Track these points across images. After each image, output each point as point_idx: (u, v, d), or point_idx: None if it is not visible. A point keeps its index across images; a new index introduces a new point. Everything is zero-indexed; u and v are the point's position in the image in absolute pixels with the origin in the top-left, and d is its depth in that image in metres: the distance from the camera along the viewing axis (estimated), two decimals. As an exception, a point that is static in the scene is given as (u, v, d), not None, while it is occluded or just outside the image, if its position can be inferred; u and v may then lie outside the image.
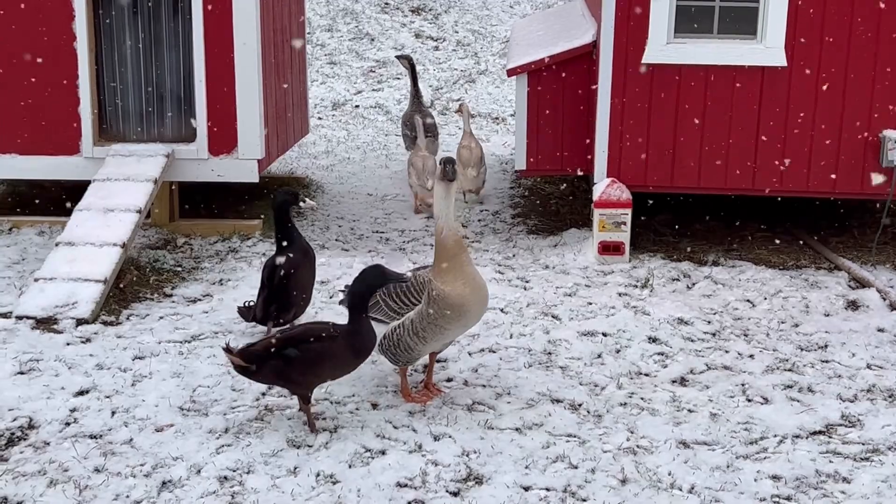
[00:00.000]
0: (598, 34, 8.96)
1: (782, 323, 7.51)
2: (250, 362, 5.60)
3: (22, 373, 6.43)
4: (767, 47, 8.62)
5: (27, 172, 9.45)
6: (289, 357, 5.54)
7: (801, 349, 7.07)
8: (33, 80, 9.19)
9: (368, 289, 5.71)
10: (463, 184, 10.74)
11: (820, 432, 5.87)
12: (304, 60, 11.58)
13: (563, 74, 9.41)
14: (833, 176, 8.77)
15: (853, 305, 7.90)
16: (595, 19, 9.53)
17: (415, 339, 5.91)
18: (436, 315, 5.83)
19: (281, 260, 6.95)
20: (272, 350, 5.58)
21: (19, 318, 7.26)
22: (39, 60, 9.14)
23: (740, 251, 9.15)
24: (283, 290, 6.89)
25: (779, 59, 8.60)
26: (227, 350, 5.63)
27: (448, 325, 5.87)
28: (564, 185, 11.64)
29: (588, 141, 9.36)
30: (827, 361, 6.86)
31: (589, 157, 9.32)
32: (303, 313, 7.14)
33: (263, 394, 6.18)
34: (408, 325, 5.90)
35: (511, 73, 9.52)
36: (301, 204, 7.06)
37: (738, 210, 9.94)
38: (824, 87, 8.61)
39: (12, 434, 5.69)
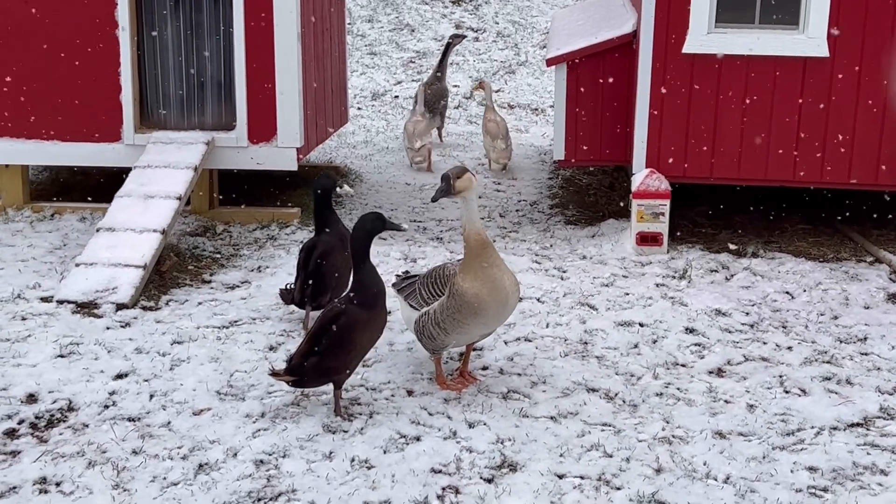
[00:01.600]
0: (639, 24, 8.91)
1: (821, 315, 7.46)
2: (296, 374, 5.65)
3: (62, 356, 6.50)
4: (809, 37, 8.54)
5: (69, 159, 9.54)
6: (320, 352, 5.59)
7: (840, 341, 7.01)
8: (76, 67, 9.28)
9: (367, 234, 5.75)
10: (491, 154, 11.86)
11: (858, 424, 5.82)
12: (344, 50, 11.62)
13: (603, 64, 9.38)
14: (875, 168, 8.68)
15: (893, 298, 7.83)
16: (635, 9, 9.49)
17: (437, 329, 5.93)
18: (453, 310, 5.85)
19: (316, 242, 6.98)
20: (305, 354, 5.64)
21: (60, 302, 7.34)
22: (82, 48, 9.24)
23: (780, 243, 9.08)
24: (318, 273, 6.91)
25: (821, 49, 8.53)
26: (274, 374, 5.71)
27: (465, 321, 5.87)
28: (603, 175, 11.61)
29: (627, 131, 9.33)
30: (866, 354, 6.80)
31: (628, 147, 9.29)
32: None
33: (300, 379, 6.21)
34: (432, 314, 5.95)
35: (550, 62, 9.49)
36: (338, 189, 7.06)
37: (778, 202, 9.86)
38: (866, 79, 8.53)
39: (52, 416, 5.76)
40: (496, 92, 15.58)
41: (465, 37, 14.23)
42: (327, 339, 5.59)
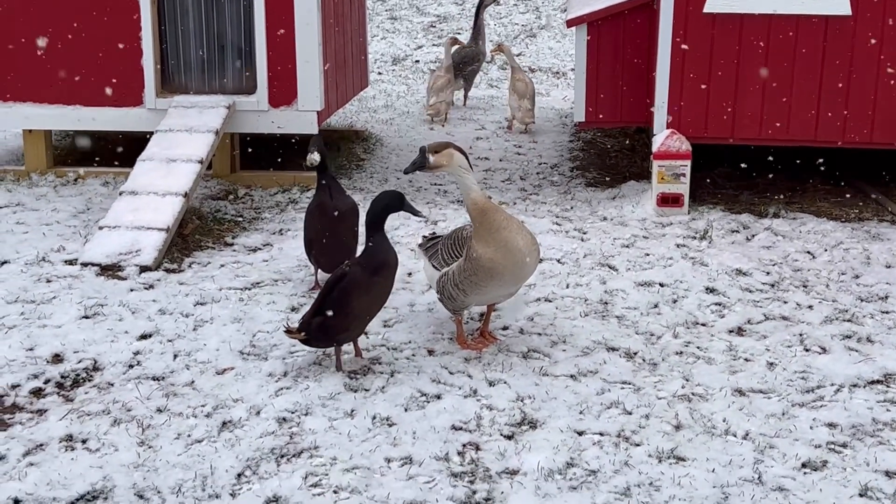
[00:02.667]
0: (659, -16, 8.87)
1: (842, 274, 7.45)
2: (305, 332, 5.76)
3: (87, 317, 6.58)
4: (832, -4, 8.48)
5: (91, 124, 9.60)
6: (323, 312, 5.68)
7: (861, 300, 7.00)
8: (97, 32, 9.32)
9: (383, 209, 5.74)
10: (517, 114, 11.96)
11: (878, 381, 5.83)
12: (364, 14, 11.61)
13: (624, 25, 9.34)
14: (897, 127, 8.64)
15: (916, 258, 7.81)
16: (656, -31, 9.43)
17: (455, 289, 5.96)
18: (470, 273, 5.87)
19: (313, 205, 7.00)
20: (314, 313, 5.73)
21: (84, 264, 7.41)
22: (102, 13, 9.27)
23: (801, 203, 9.06)
24: (316, 234, 6.95)
25: (843, 7, 8.46)
26: (288, 331, 5.80)
27: (482, 284, 5.89)
28: (624, 137, 11.59)
29: (648, 92, 9.30)
30: (887, 312, 6.79)
31: (648, 108, 9.26)
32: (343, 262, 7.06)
33: (321, 339, 6.26)
34: (450, 275, 5.98)
35: (571, 23, 9.47)
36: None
37: (800, 162, 9.83)
38: (889, 36, 8.46)
39: (77, 375, 5.83)
40: (517, 56, 15.52)
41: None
42: (330, 299, 5.67)
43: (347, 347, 6.00)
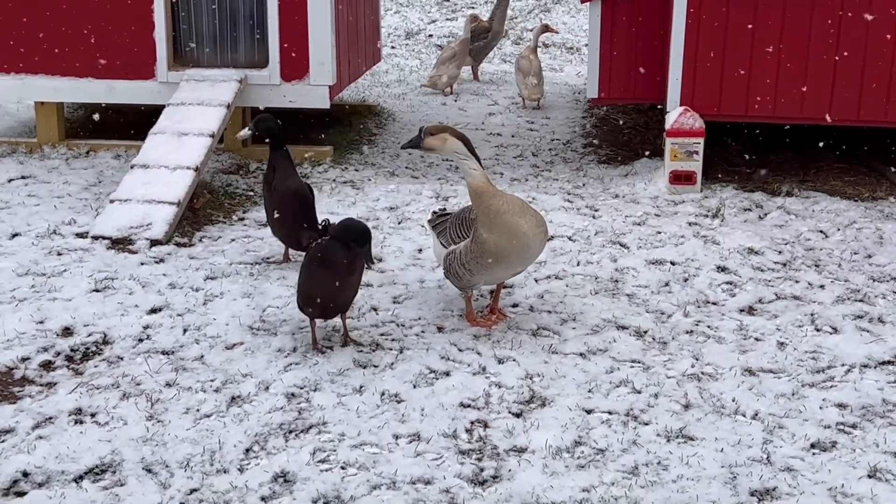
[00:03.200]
0: (674, -41, 8.80)
1: (855, 254, 7.41)
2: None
3: (97, 290, 6.58)
4: (848, -28, 8.41)
5: (103, 96, 9.59)
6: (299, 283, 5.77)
7: (874, 280, 6.97)
8: (109, 5, 9.29)
9: (348, 236, 5.59)
10: (524, 91, 12.08)
11: (889, 362, 5.80)
12: (377, -13, 11.56)
13: (638, 1, 9.27)
14: (913, 106, 8.58)
15: (929, 238, 7.77)
16: (671, -56, 9.36)
17: (462, 269, 5.95)
18: (476, 254, 5.86)
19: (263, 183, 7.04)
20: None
21: (95, 238, 7.42)
22: (115, -15, 9.25)
23: (815, 182, 9.01)
24: (266, 211, 7.03)
25: (860, -16, 8.39)
26: None
27: (489, 265, 5.88)
28: (637, 114, 11.53)
29: (661, 69, 9.25)
30: (899, 293, 6.77)
31: (662, 85, 9.21)
32: (295, 244, 7.01)
33: (331, 315, 6.27)
34: (457, 254, 5.97)
35: (584, -1, 9.41)
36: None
37: (814, 140, 9.77)
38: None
39: (87, 348, 5.84)
40: (529, 30, 15.45)
41: None
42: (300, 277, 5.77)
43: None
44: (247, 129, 6.92)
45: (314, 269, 5.68)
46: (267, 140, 6.94)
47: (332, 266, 5.64)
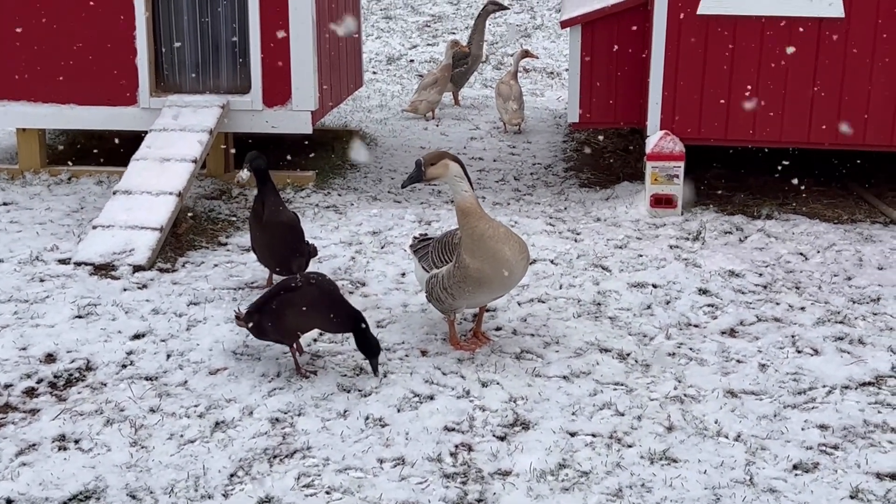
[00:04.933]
0: (653, -15, 8.88)
1: (835, 276, 7.47)
2: (248, 323, 5.85)
3: (80, 317, 6.58)
4: (825, -2, 8.50)
5: (86, 123, 9.60)
6: (262, 312, 5.76)
7: (854, 302, 7.02)
8: (91, 31, 9.31)
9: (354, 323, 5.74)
10: (504, 116, 12.13)
11: (869, 383, 5.85)
12: (359, 13, 11.60)
13: (618, 26, 9.35)
14: (890, 129, 8.65)
15: (908, 260, 7.83)
16: (650, -30, 9.45)
17: (444, 293, 5.97)
18: (459, 279, 5.88)
19: (251, 214, 7.08)
20: (256, 310, 5.81)
21: (78, 264, 7.41)
22: (97, 11, 9.26)
23: (794, 205, 9.08)
24: (253, 242, 7.08)
25: (836, 10, 8.48)
26: (237, 316, 5.92)
27: (471, 290, 5.91)
28: (618, 138, 11.60)
29: (641, 93, 9.31)
30: (879, 314, 6.81)
31: (642, 109, 9.28)
32: (286, 271, 6.98)
33: (315, 339, 6.28)
34: (440, 278, 5.99)
35: (565, 24, 9.48)
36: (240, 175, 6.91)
37: (793, 164, 9.85)
38: (882, 38, 8.49)
39: (70, 375, 5.83)
40: (510, 54, 15.55)
41: (504, 7, 14.13)
42: (269, 304, 5.74)
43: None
44: (245, 170, 6.91)
45: (298, 312, 5.71)
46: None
47: (323, 314, 5.75)
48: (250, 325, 5.83)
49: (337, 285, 5.87)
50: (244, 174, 6.87)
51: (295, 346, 5.99)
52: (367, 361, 5.78)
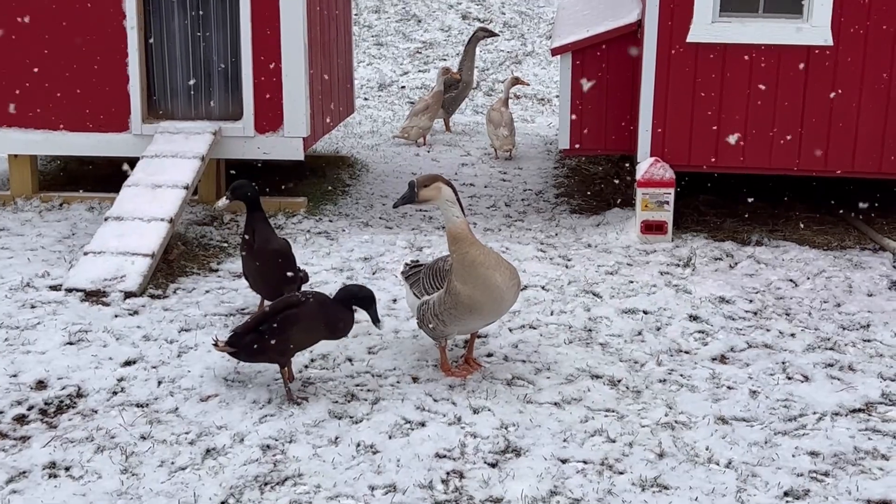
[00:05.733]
0: (643, 13, 8.94)
1: (825, 302, 7.49)
2: (234, 347, 5.85)
3: (71, 343, 6.57)
4: (813, 26, 8.56)
5: (77, 149, 9.61)
6: (261, 331, 5.76)
7: (843, 328, 7.05)
8: (84, 58, 9.34)
9: (353, 299, 5.84)
10: (495, 143, 12.18)
11: (860, 410, 5.86)
12: (351, 40, 11.66)
13: (608, 54, 9.41)
14: (879, 156, 8.71)
15: (897, 286, 7.87)
16: (640, -2, 9.52)
17: (435, 319, 5.98)
18: (450, 306, 5.89)
19: (242, 243, 7.07)
20: (248, 331, 5.82)
21: (69, 290, 7.41)
22: (90, 38, 9.30)
23: (784, 231, 9.12)
24: (245, 269, 7.07)
25: (825, 38, 8.55)
26: (215, 344, 5.91)
27: (462, 317, 5.92)
28: (608, 164, 11.65)
29: (632, 120, 9.37)
30: (869, 341, 6.84)
31: (633, 136, 9.32)
32: (275, 296, 6.93)
33: (306, 366, 6.28)
34: (431, 304, 6.00)
35: (555, 52, 9.53)
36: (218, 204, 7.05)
37: (782, 190, 9.90)
38: (870, 67, 8.55)
39: (61, 402, 5.82)
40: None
41: (494, 34, 14.20)
42: (271, 323, 5.74)
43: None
44: (224, 198, 6.93)
45: (304, 328, 5.73)
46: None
47: (336, 323, 5.80)
48: (237, 348, 5.83)
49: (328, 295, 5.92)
50: (222, 202, 6.91)
51: (288, 373, 6.00)
52: (374, 324, 5.86)
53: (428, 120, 12.74)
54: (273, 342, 5.74)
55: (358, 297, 5.82)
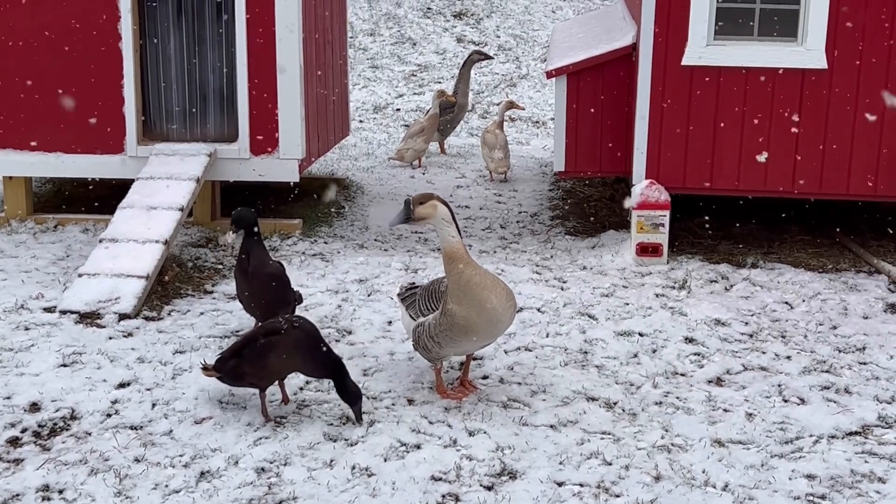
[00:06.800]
0: (638, 36, 8.97)
1: (820, 325, 7.49)
2: (219, 371, 5.86)
3: (65, 365, 6.54)
4: (808, 49, 8.59)
5: (72, 171, 9.60)
6: (241, 357, 5.77)
7: (839, 351, 7.04)
8: (79, 80, 9.34)
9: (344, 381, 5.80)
10: (490, 165, 12.13)
11: (856, 433, 5.86)
12: (346, 63, 11.68)
13: (603, 76, 9.43)
14: (873, 179, 8.72)
15: (892, 308, 7.86)
16: (635, 22, 9.55)
17: (431, 341, 5.97)
18: (445, 327, 5.88)
19: (236, 267, 7.09)
20: (232, 355, 5.82)
21: (63, 312, 7.38)
22: (85, 61, 9.30)
23: (779, 254, 9.12)
24: (239, 294, 7.07)
25: (819, 61, 8.57)
26: (204, 368, 5.94)
27: (457, 338, 5.91)
28: (603, 187, 11.66)
29: (627, 142, 9.38)
30: (865, 363, 6.83)
31: (628, 158, 9.33)
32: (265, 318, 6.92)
33: (301, 388, 6.26)
34: (426, 326, 6.00)
35: (550, 74, 9.55)
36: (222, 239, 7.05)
37: (777, 212, 9.90)
38: (865, 89, 8.58)
39: (55, 424, 5.80)
40: (496, 103, 15.65)
41: (489, 56, 14.22)
42: (251, 348, 5.73)
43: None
44: (230, 232, 6.90)
45: (280, 356, 5.71)
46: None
47: (300, 360, 5.79)
48: (221, 373, 5.82)
49: (318, 329, 5.87)
50: (230, 237, 6.88)
51: (282, 394, 5.99)
52: (351, 410, 5.79)
53: (423, 142, 12.75)
54: (249, 368, 5.73)
55: (342, 385, 5.77)
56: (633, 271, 8.64)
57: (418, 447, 5.55)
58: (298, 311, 7.11)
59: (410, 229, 9.98)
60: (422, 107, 16.12)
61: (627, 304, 7.83)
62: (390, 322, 7.39)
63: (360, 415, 5.75)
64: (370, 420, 5.83)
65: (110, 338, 7.04)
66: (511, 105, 12.70)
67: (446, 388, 6.26)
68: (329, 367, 5.74)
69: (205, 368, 5.91)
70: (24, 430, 5.70)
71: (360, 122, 15.43)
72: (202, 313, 7.57)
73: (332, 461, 5.39)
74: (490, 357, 6.79)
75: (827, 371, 6.69)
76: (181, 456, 5.44)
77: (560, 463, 5.42)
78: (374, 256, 8.99)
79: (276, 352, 5.70)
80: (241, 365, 5.76)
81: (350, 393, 5.72)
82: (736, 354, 6.94)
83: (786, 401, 6.25)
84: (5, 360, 6.58)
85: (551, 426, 5.84)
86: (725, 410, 6.10)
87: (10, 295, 7.73)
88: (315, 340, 5.76)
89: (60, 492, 5.08)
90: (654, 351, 6.97)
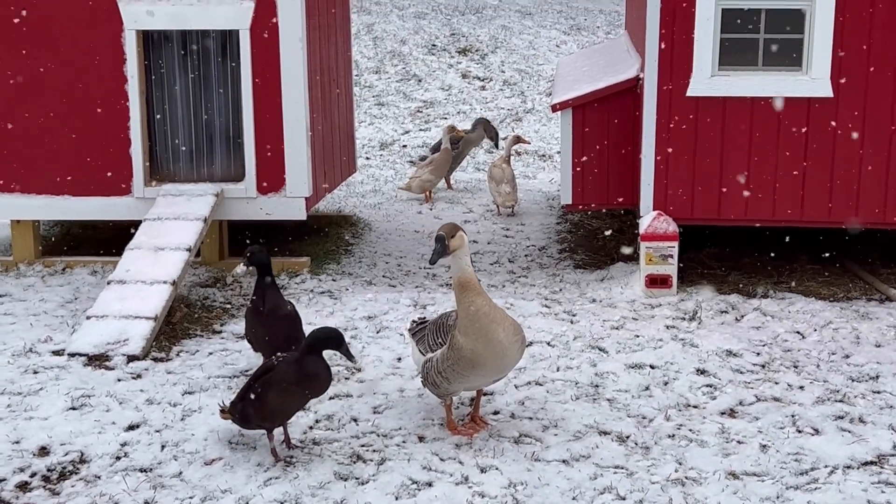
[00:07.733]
0: (643, 68, 8.98)
1: (833, 354, 7.44)
2: (231, 414, 5.86)
3: (74, 408, 6.52)
4: (813, 79, 8.59)
5: (79, 213, 9.61)
6: (244, 399, 5.76)
7: (852, 380, 6.99)
8: (85, 122, 9.37)
9: (322, 342, 5.74)
10: (497, 199, 12.17)
11: (871, 462, 5.80)
12: (351, 100, 11.71)
13: (608, 109, 9.44)
14: (882, 206, 8.69)
15: (905, 336, 7.81)
16: (639, 54, 9.56)
17: (439, 377, 5.95)
18: (452, 362, 5.86)
19: (248, 308, 7.08)
20: (239, 398, 5.81)
21: (72, 355, 7.37)
22: (91, 103, 9.33)
23: (790, 283, 9.08)
24: (251, 335, 7.07)
25: (824, 90, 8.57)
26: (221, 411, 5.94)
27: (465, 373, 5.88)
28: (611, 219, 11.64)
29: (633, 174, 9.37)
30: (878, 392, 6.78)
31: (635, 190, 9.32)
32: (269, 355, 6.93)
33: (311, 427, 6.22)
34: (434, 362, 5.97)
35: (555, 108, 9.56)
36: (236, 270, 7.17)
37: (787, 242, 9.87)
38: (871, 117, 8.57)
39: (64, 468, 5.77)
40: (503, 138, 15.65)
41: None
42: (253, 389, 5.72)
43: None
44: (242, 265, 6.92)
45: (279, 392, 5.67)
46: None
47: (311, 379, 5.65)
48: (235, 415, 5.80)
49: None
50: (242, 268, 6.88)
51: (284, 437, 5.92)
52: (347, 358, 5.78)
53: (430, 174, 12.76)
54: (253, 410, 5.71)
55: (324, 340, 5.72)
56: (642, 303, 8.60)
57: (430, 485, 5.51)
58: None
59: (418, 263, 9.96)
60: (428, 143, 16.15)
61: (638, 336, 7.79)
62: (399, 359, 7.36)
63: (350, 354, 5.72)
64: (380, 458, 5.79)
65: (119, 380, 7.02)
66: (517, 139, 12.73)
67: (457, 424, 6.22)
68: (325, 372, 5.72)
69: (222, 411, 5.90)
70: (33, 475, 5.68)
71: (367, 158, 15.46)
72: (211, 353, 7.55)
73: (342, 501, 5.35)
74: (501, 392, 6.75)
75: (840, 400, 6.63)
76: (191, 498, 5.40)
77: (573, 498, 5.37)
78: (383, 293, 8.97)
79: (273, 388, 5.66)
80: (246, 408, 5.74)
81: (332, 339, 5.69)
82: (748, 385, 6.89)
83: (800, 431, 6.20)
84: (14, 404, 6.56)
85: (564, 461, 5.79)
86: (739, 442, 6.05)
87: (18, 338, 7.72)
88: (299, 358, 5.72)
89: (70, 536, 5.05)
90: (666, 383, 6.92)
